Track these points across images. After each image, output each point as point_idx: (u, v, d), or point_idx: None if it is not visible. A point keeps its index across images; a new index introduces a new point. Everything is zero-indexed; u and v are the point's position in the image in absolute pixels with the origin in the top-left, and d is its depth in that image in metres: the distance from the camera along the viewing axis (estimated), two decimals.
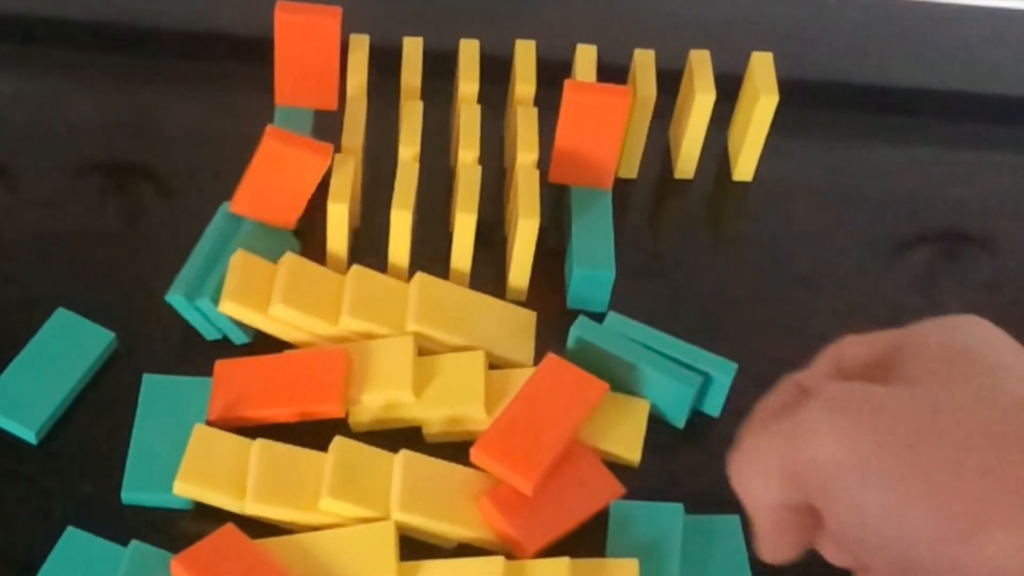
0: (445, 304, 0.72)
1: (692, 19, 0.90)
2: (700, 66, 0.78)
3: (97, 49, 0.86)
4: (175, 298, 0.71)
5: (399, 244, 0.73)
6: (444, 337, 0.71)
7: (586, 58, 0.78)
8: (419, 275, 0.72)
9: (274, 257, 0.72)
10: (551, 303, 0.75)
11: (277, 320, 0.70)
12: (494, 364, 0.71)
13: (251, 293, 0.70)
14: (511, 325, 0.72)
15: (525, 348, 0.72)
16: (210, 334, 0.72)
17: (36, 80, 0.84)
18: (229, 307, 0.70)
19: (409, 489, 0.65)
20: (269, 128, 0.72)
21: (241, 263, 0.71)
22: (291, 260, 0.72)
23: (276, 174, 0.72)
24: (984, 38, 0.92)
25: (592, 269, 0.73)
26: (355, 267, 0.72)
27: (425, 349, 0.71)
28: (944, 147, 0.86)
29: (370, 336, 0.71)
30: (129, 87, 0.83)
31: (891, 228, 0.81)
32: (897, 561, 0.45)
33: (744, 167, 0.81)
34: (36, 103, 0.83)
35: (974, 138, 0.87)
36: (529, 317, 0.73)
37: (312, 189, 0.73)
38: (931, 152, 0.86)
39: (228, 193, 0.76)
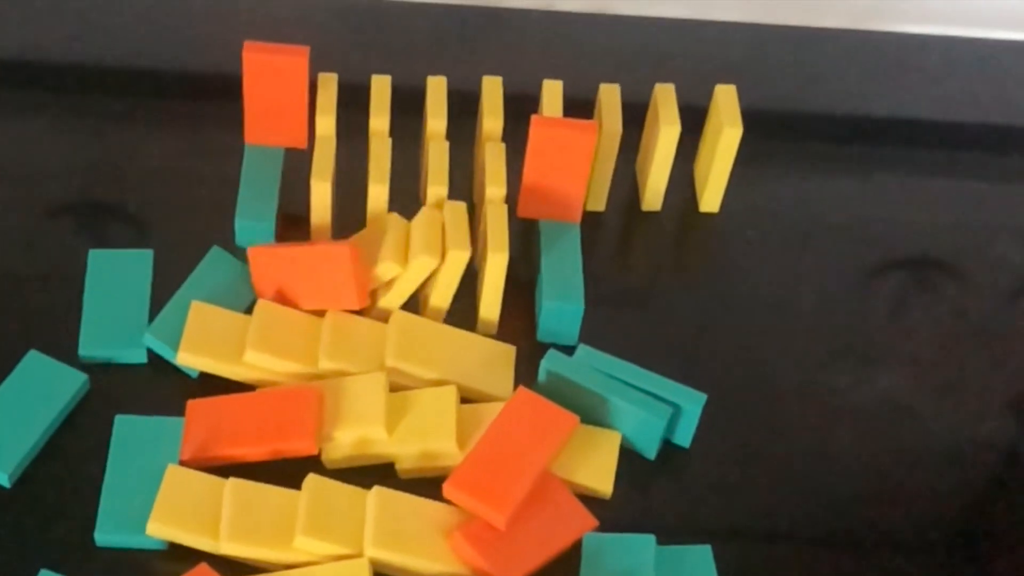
0: (424, 341, 0.72)
1: (657, 53, 0.91)
2: (665, 99, 0.79)
3: (66, 90, 0.86)
4: (152, 340, 0.72)
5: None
6: (424, 374, 0.71)
7: (553, 93, 0.79)
8: (397, 313, 0.73)
9: (236, 298, 0.73)
10: (522, 336, 0.75)
11: (243, 366, 0.71)
12: (474, 399, 0.71)
13: (208, 343, 0.71)
14: (490, 360, 0.73)
15: (505, 382, 0.72)
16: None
17: (4, 121, 0.85)
18: (185, 358, 0.71)
19: (383, 526, 0.65)
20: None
21: (198, 314, 0.72)
22: (264, 307, 0.72)
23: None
24: (946, 67, 0.93)
25: (561, 302, 0.74)
26: (331, 311, 0.73)
27: (404, 386, 0.71)
28: (910, 175, 0.87)
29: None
30: (98, 127, 0.84)
31: (859, 256, 0.82)
32: None
33: (710, 199, 0.82)
34: (5, 144, 0.83)
35: (939, 165, 0.88)
36: (508, 351, 0.74)
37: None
38: (897, 180, 0.86)
39: (200, 232, 0.76)
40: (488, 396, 0.71)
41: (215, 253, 0.75)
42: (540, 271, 0.76)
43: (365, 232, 0.75)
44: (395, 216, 0.74)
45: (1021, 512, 0.72)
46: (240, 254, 0.75)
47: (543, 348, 0.73)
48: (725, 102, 0.79)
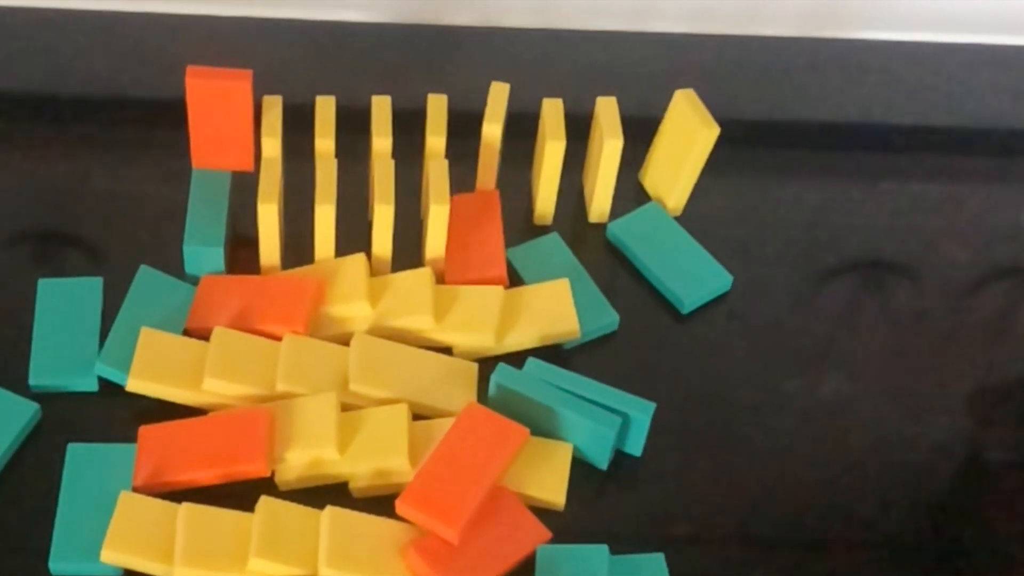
0: (385, 362, 0.72)
1: (601, 66, 0.91)
2: (607, 112, 0.79)
3: (13, 119, 0.86)
4: (104, 368, 0.72)
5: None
6: (386, 395, 0.71)
7: (496, 103, 0.79)
8: (357, 335, 0.73)
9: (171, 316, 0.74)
10: None
11: (195, 391, 0.71)
12: (438, 418, 0.72)
13: (159, 369, 0.71)
14: (452, 377, 0.73)
15: (467, 399, 0.72)
16: None
17: None
18: (136, 384, 0.71)
19: (336, 545, 0.65)
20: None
21: (148, 340, 0.72)
22: (221, 333, 0.72)
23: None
24: (900, 71, 0.94)
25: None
26: (288, 335, 0.73)
27: (359, 406, 0.71)
28: (865, 179, 0.87)
29: None
30: (43, 156, 0.84)
31: (814, 260, 0.82)
32: None
33: (676, 202, 0.82)
34: None
35: (894, 169, 0.88)
36: (470, 369, 0.74)
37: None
38: (851, 184, 0.87)
39: (150, 258, 0.77)
40: (452, 414, 0.71)
41: (144, 272, 0.76)
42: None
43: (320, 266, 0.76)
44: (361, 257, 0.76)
45: (977, 510, 0.73)
46: (177, 275, 0.76)
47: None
48: (689, 106, 0.80)
